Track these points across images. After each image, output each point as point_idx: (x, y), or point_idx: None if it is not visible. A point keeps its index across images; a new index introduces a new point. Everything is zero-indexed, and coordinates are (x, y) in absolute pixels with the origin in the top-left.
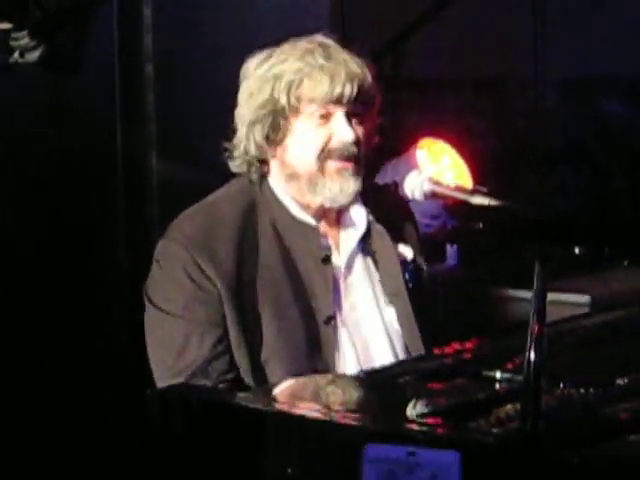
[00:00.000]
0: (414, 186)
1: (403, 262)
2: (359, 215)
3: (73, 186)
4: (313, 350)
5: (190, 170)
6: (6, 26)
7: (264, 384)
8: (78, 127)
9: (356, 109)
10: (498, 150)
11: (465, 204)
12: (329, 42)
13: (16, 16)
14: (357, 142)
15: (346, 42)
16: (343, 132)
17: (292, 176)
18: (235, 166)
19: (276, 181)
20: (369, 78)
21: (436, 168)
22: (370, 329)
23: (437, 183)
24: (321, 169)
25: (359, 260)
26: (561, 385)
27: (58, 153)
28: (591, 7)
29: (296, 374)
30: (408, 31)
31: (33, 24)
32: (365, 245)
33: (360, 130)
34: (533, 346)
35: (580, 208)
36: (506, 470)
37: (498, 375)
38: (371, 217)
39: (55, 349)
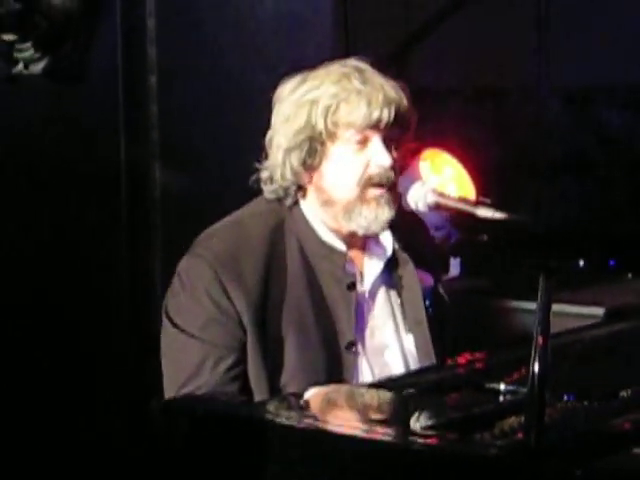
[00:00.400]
0: (418, 197)
1: (424, 289)
2: (385, 241)
3: (76, 196)
4: (333, 376)
5: (193, 181)
6: (11, 37)
7: None
8: (81, 138)
9: (393, 134)
10: (500, 161)
11: (470, 216)
12: (364, 66)
13: (21, 27)
14: (393, 167)
15: (349, 53)
16: (381, 158)
17: (327, 202)
18: (270, 192)
19: (309, 206)
20: (405, 102)
21: (439, 179)
22: (389, 356)
23: (441, 194)
24: (359, 196)
25: (382, 287)
26: (565, 398)
27: (61, 164)
28: (593, 18)
29: None
30: (411, 42)
31: (37, 35)
32: (389, 272)
33: (395, 155)
34: (537, 358)
35: (581, 218)
36: None
37: (502, 387)
38: (397, 245)
39: (55, 356)
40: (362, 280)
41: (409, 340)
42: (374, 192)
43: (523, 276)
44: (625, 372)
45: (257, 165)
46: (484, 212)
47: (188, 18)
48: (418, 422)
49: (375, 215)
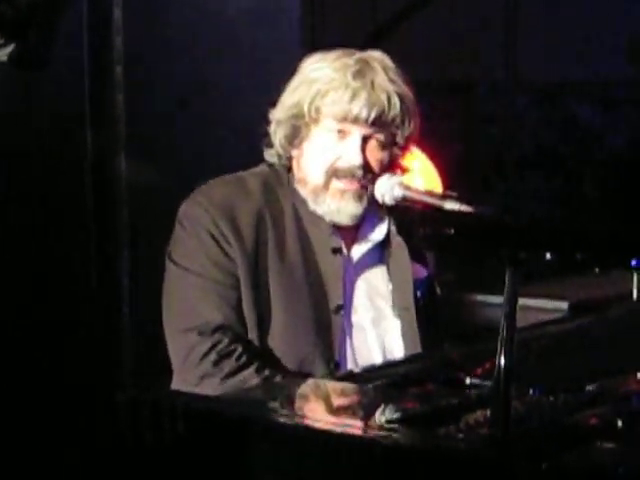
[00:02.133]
0: (384, 190)
1: (417, 280)
2: (379, 223)
3: (41, 187)
4: (320, 335)
5: (160, 173)
6: None
7: (265, 358)
8: (47, 128)
9: (376, 133)
10: (468, 155)
11: (436, 209)
12: (375, 62)
13: None
14: (366, 166)
15: (316, 46)
16: (351, 155)
17: (301, 181)
18: (268, 155)
19: (297, 178)
20: (397, 109)
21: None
22: (368, 337)
23: (407, 187)
24: (325, 185)
25: (371, 265)
26: (530, 392)
27: (25, 153)
28: (562, 13)
29: (301, 356)
30: (379, 36)
31: (3, 22)
32: (382, 256)
33: (378, 155)
34: (503, 352)
35: (550, 213)
36: (475, 476)
37: (468, 381)
38: (393, 228)
39: (22, 349)
40: (349, 256)
41: (395, 325)
42: (338, 185)
43: (488, 270)
44: (591, 366)
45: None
46: (451, 205)
47: (155, 7)
48: (383, 415)
49: (337, 207)
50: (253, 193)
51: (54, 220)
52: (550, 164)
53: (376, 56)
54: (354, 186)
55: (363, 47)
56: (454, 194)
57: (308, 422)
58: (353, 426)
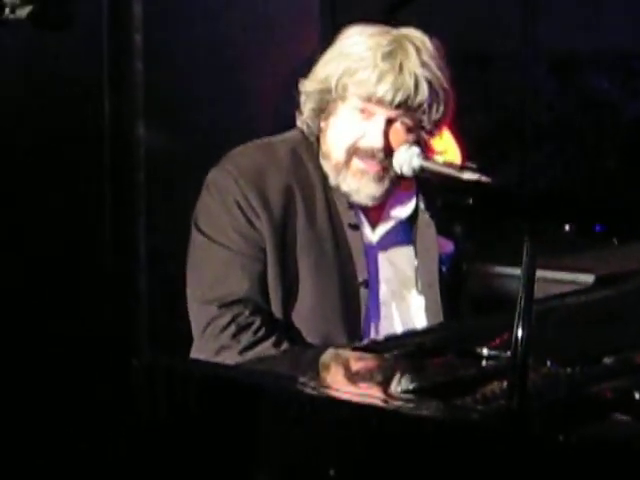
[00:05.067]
0: (402, 161)
1: (443, 254)
2: (406, 201)
3: (57, 153)
4: (347, 309)
5: (178, 140)
6: None
7: (291, 332)
8: (64, 94)
9: (402, 117)
10: (485, 127)
11: (455, 180)
12: (410, 43)
13: None
14: (387, 149)
15: (336, 21)
16: (373, 136)
17: (326, 154)
18: (299, 120)
19: (322, 150)
20: (424, 95)
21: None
22: (391, 312)
23: (426, 158)
24: (347, 162)
25: (398, 245)
26: (548, 363)
27: (42, 116)
28: None
29: (327, 330)
30: (395, 8)
31: None
32: (409, 231)
33: (402, 139)
34: (521, 323)
35: (567, 183)
36: (491, 448)
37: (485, 352)
38: (422, 205)
39: (39, 325)
40: (373, 231)
41: (419, 302)
42: (358, 164)
43: (506, 241)
44: (609, 339)
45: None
46: (470, 176)
47: None
48: (399, 386)
49: (357, 187)
50: (283, 162)
51: (71, 189)
52: (566, 134)
53: (413, 36)
54: (375, 168)
55: (382, 18)
56: (473, 165)
57: (324, 391)
58: (369, 396)
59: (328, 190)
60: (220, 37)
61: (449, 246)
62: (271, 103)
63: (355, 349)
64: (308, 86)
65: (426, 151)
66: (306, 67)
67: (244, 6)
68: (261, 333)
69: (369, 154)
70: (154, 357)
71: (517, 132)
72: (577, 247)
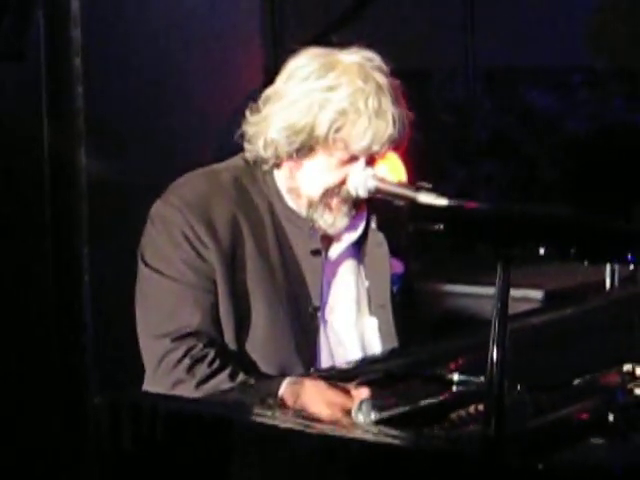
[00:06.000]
0: (358, 183)
1: (394, 275)
2: (356, 221)
3: None
4: (299, 337)
5: (121, 168)
6: None
7: (244, 362)
8: (1, 122)
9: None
10: (423, 143)
11: (410, 202)
12: (383, 82)
13: None
14: None
15: (277, 37)
16: (356, 184)
17: (294, 190)
18: (249, 151)
19: (281, 178)
20: (404, 131)
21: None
22: (345, 336)
23: (381, 179)
24: (323, 200)
25: (349, 265)
26: (518, 387)
27: None
28: None
29: (281, 359)
30: (335, 25)
31: None
32: (359, 251)
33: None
34: (496, 346)
35: (506, 200)
36: (467, 478)
37: (455, 377)
38: (373, 225)
39: None
40: (326, 254)
41: (372, 323)
42: (336, 202)
43: (456, 260)
44: (574, 360)
45: (246, 116)
46: (425, 198)
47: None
48: (364, 414)
49: (333, 221)
50: (227, 191)
51: (9, 220)
52: (505, 150)
53: (380, 71)
54: (350, 203)
55: (318, 38)
56: (427, 185)
57: (293, 423)
58: (340, 426)
59: (276, 216)
60: (164, 60)
61: (399, 266)
62: (217, 128)
63: (319, 377)
64: (279, 132)
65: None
66: (254, 93)
67: (186, 33)
68: (216, 365)
69: (349, 195)
70: (117, 394)
71: (456, 148)
72: (525, 263)
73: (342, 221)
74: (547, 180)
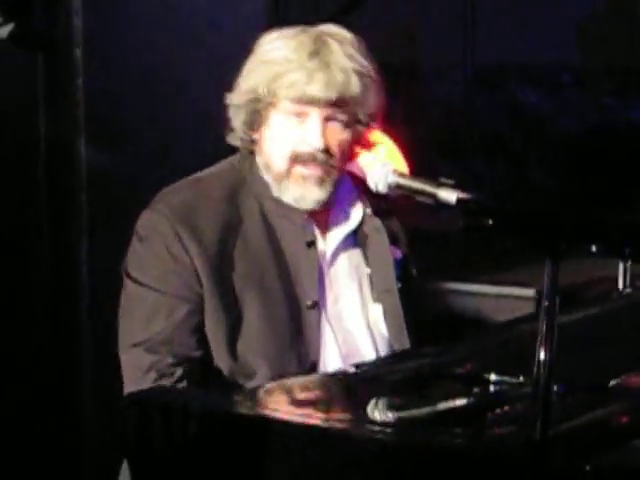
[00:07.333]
0: (378, 178)
1: (393, 261)
2: (353, 207)
3: None
4: (296, 334)
5: (121, 158)
6: None
7: (238, 364)
8: None
9: (338, 114)
10: (413, 141)
11: (431, 198)
12: (332, 39)
13: None
14: (328, 150)
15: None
16: (312, 137)
17: (266, 166)
18: (230, 138)
19: (261, 165)
20: (357, 87)
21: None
22: (353, 325)
23: (402, 175)
24: (287, 170)
25: (348, 253)
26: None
27: None
28: None
29: (277, 357)
30: (343, 12)
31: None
32: (357, 239)
33: (341, 136)
34: (544, 346)
35: (496, 198)
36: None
37: (493, 377)
38: (369, 211)
39: None
40: (325, 243)
41: (377, 310)
42: (300, 170)
43: (455, 257)
44: (607, 360)
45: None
46: (446, 194)
47: None
48: (380, 412)
49: (301, 193)
50: (215, 197)
51: (4, 215)
52: (495, 148)
53: (333, 31)
54: (317, 172)
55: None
56: (449, 181)
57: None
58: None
59: (266, 215)
60: (165, 50)
61: (397, 252)
62: (216, 119)
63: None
64: (235, 99)
65: (364, 145)
66: None
67: (189, 22)
68: (182, 383)
69: (310, 158)
70: (144, 392)
71: (446, 145)
72: (516, 262)
73: (312, 193)
74: (536, 178)
